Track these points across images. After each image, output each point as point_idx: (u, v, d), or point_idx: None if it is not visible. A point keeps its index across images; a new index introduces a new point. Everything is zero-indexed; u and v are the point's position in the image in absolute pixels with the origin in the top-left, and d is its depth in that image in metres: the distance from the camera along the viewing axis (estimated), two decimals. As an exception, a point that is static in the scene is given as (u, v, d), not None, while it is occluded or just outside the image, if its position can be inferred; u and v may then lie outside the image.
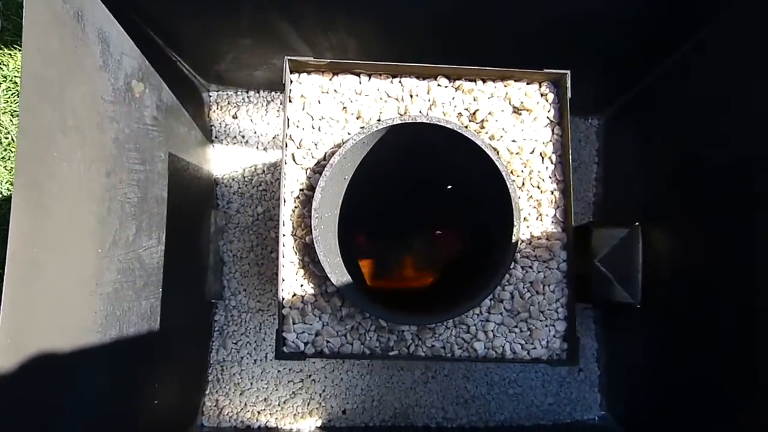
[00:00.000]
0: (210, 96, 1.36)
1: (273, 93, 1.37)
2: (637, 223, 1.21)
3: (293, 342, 0.79)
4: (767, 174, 0.82)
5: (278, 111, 1.36)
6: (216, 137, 1.36)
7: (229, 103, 1.36)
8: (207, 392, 1.34)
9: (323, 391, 1.35)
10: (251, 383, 1.34)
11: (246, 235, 1.34)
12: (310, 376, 1.36)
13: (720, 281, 0.95)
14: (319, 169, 0.82)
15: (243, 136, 1.36)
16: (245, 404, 1.33)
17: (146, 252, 1.02)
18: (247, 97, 1.36)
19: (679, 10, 0.98)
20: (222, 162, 1.35)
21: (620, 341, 1.36)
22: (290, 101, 0.83)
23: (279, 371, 1.35)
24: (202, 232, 1.29)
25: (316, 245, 0.77)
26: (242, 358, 1.34)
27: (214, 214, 1.31)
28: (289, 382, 1.35)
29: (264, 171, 1.35)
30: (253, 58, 1.17)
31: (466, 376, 1.39)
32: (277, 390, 1.34)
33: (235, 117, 1.36)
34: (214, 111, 1.36)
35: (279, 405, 1.33)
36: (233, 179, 1.35)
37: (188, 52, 1.17)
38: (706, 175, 1.00)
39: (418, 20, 0.98)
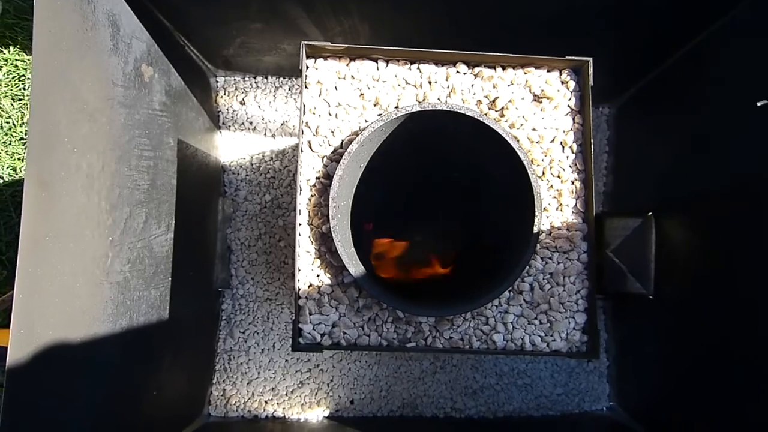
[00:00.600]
0: (217, 82, 1.34)
1: (281, 79, 1.34)
2: (650, 213, 1.20)
3: (309, 333, 0.78)
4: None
5: (286, 97, 1.33)
6: (223, 123, 1.33)
7: (236, 89, 1.34)
8: (214, 381, 1.33)
9: (331, 381, 1.34)
10: (258, 373, 1.33)
11: (254, 223, 1.32)
12: (318, 365, 1.35)
13: (735, 273, 0.94)
14: (335, 157, 0.81)
15: (251, 123, 1.33)
16: (252, 394, 1.32)
17: (156, 240, 1.00)
18: (255, 82, 1.34)
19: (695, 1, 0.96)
20: (229, 149, 1.33)
21: (631, 332, 1.35)
22: (306, 87, 0.81)
23: (287, 361, 1.33)
24: (209, 220, 1.27)
25: (333, 235, 0.75)
26: (250, 347, 1.33)
27: (221, 201, 1.29)
28: (296, 371, 1.34)
29: (272, 158, 1.33)
30: (262, 43, 1.15)
31: (474, 367, 1.38)
32: (284, 380, 1.33)
33: (242, 103, 1.33)
34: (222, 97, 1.34)
35: (286, 395, 1.32)
36: (241, 166, 1.33)
37: (197, 37, 1.14)
38: (722, 164, 0.98)
39: (435, 4, 0.96)
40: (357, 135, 0.78)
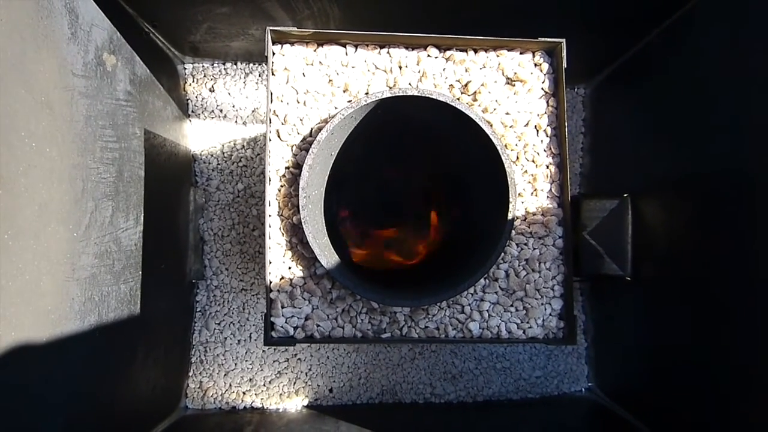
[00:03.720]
0: (185, 69, 1.30)
1: (251, 65, 1.31)
2: (626, 195, 1.20)
3: (282, 327, 0.76)
4: (762, 143, 0.81)
5: (257, 84, 1.30)
6: (193, 112, 1.30)
7: (205, 76, 1.30)
8: (190, 374, 1.31)
9: (309, 370, 1.33)
10: (235, 364, 1.31)
11: (227, 213, 1.29)
12: (295, 355, 1.34)
13: (712, 253, 0.94)
14: (305, 146, 0.78)
15: (221, 111, 1.30)
16: (230, 385, 1.30)
17: (124, 233, 0.97)
18: (224, 69, 1.31)
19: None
20: (200, 137, 1.30)
21: (608, 314, 1.36)
22: (273, 74, 0.79)
23: (264, 351, 1.32)
24: (180, 211, 1.24)
25: (304, 225, 0.73)
26: (225, 338, 1.31)
27: (192, 191, 1.26)
28: (274, 362, 1.32)
29: (244, 146, 1.30)
30: (229, 28, 1.11)
31: (453, 352, 1.37)
32: (262, 370, 1.32)
33: (212, 90, 1.30)
34: (190, 84, 1.30)
35: (264, 385, 1.31)
36: (212, 155, 1.30)
37: (161, 23, 1.10)
38: (699, 144, 0.98)
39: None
40: (326, 123, 0.76)
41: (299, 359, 1.33)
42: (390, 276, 1.01)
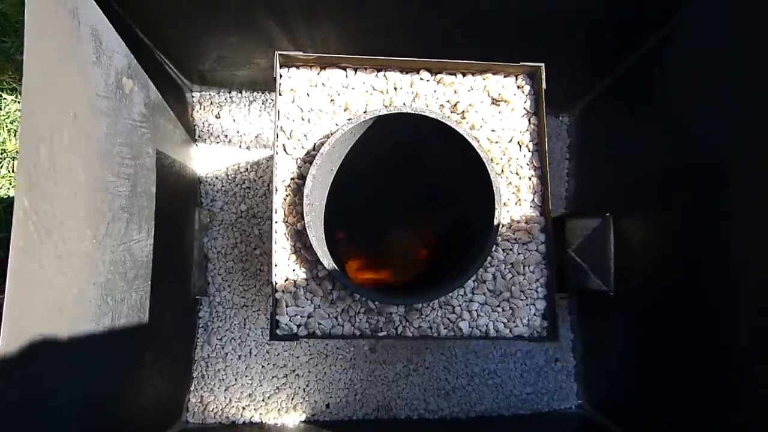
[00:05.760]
0: (193, 96, 1.39)
1: (255, 93, 1.40)
2: (608, 214, 1.27)
3: (286, 324, 0.82)
4: (736, 163, 0.89)
5: (260, 111, 1.39)
6: (199, 136, 1.38)
7: (211, 103, 1.39)
8: (192, 388, 1.35)
9: (307, 385, 1.38)
10: (236, 379, 1.36)
11: (230, 232, 1.36)
12: (294, 371, 1.38)
13: (691, 268, 1.01)
14: (309, 158, 0.86)
15: (226, 136, 1.38)
16: (230, 400, 1.34)
17: (136, 245, 1.03)
18: (230, 97, 1.39)
19: (640, 11, 1.05)
20: (205, 161, 1.37)
21: (595, 331, 1.42)
22: (280, 94, 0.87)
23: (263, 366, 1.37)
24: (187, 229, 1.31)
25: (308, 230, 0.80)
26: (227, 354, 1.36)
27: (198, 211, 1.33)
28: (273, 377, 1.37)
29: (247, 169, 1.38)
30: (237, 57, 1.20)
31: (446, 368, 1.43)
32: (261, 385, 1.36)
33: (217, 116, 1.38)
34: (198, 111, 1.39)
35: (263, 400, 1.35)
36: (217, 177, 1.37)
37: (173, 52, 1.19)
38: (674, 165, 1.06)
39: (399, 16, 1.03)
40: (328, 137, 0.83)
41: (297, 375, 1.38)
42: (386, 286, 1.08)
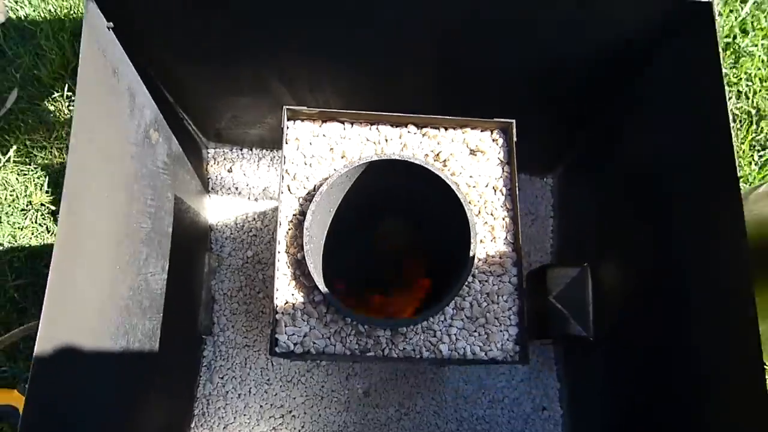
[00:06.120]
0: (209, 152, 1.54)
1: (264, 150, 1.55)
2: (585, 264, 1.39)
3: (284, 342, 0.92)
4: (683, 209, 1.01)
5: (268, 167, 1.53)
6: (212, 188, 1.52)
7: (225, 159, 1.54)
8: (192, 426, 1.42)
9: (302, 426, 1.45)
10: (234, 417, 1.43)
11: (236, 276, 1.47)
12: (290, 411, 1.46)
13: (655, 312, 1.10)
14: (309, 198, 0.99)
15: (236, 188, 1.52)
16: (229, 437, 1.41)
17: (152, 277, 1.15)
18: (241, 153, 1.54)
19: (605, 77, 1.20)
20: (217, 210, 1.51)
21: (579, 377, 1.49)
22: (287, 143, 1.01)
23: (261, 406, 1.44)
24: (197, 271, 1.42)
25: (307, 258, 0.92)
26: (227, 392, 1.44)
27: (207, 256, 1.45)
28: (270, 417, 1.44)
29: (255, 219, 1.51)
30: (249, 116, 1.36)
31: (437, 413, 1.49)
32: (258, 425, 1.43)
33: (229, 171, 1.53)
34: (212, 165, 1.53)
35: (260, 439, 1.42)
36: (226, 225, 1.50)
37: (194, 111, 1.35)
38: (638, 217, 1.18)
39: (390, 79, 1.19)
40: (327, 179, 0.97)
41: (294, 416, 1.45)
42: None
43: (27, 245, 1.81)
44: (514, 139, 1.01)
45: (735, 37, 1.85)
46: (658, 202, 1.08)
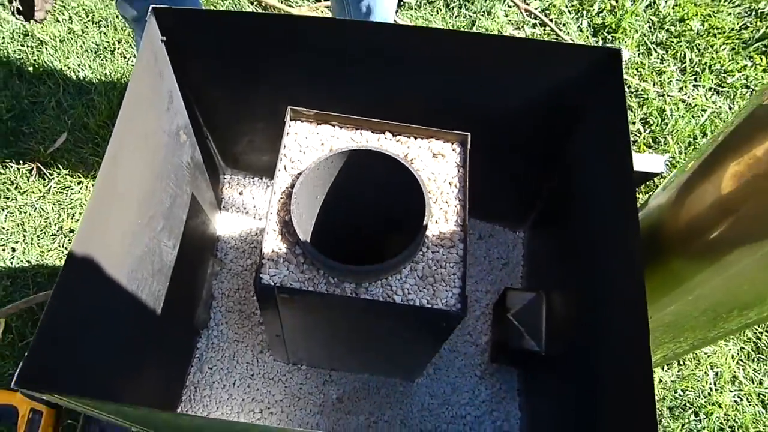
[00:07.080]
0: (225, 178, 1.81)
1: (272, 180, 1.81)
2: (541, 291, 1.59)
3: (267, 281, 1.13)
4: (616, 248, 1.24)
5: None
6: (223, 207, 1.78)
7: (238, 184, 1.81)
8: (178, 411, 1.56)
9: (279, 423, 1.58)
10: (217, 407, 1.57)
11: (235, 279, 1.68)
12: (268, 408, 1.60)
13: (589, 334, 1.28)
14: (300, 175, 1.24)
15: (245, 208, 1.78)
16: (209, 424, 1.54)
17: (165, 248, 1.37)
18: (252, 180, 1.82)
19: (549, 135, 1.48)
20: (226, 224, 1.75)
21: (536, 401, 1.61)
22: (287, 135, 1.28)
23: (243, 399, 1.59)
24: (201, 272, 1.64)
25: (293, 216, 1.15)
26: (214, 382, 1.59)
27: (212, 260, 1.67)
28: (250, 411, 1.58)
29: (257, 233, 1.75)
30: (263, 142, 1.64)
31: (403, 422, 1.62)
32: (238, 417, 1.57)
33: (240, 194, 1.79)
34: (226, 188, 1.80)
35: None
36: (232, 237, 1.74)
37: (218, 131, 1.64)
38: (584, 257, 1.40)
39: (369, 97, 1.47)
40: (316, 161, 1.22)
41: (271, 413, 1.59)
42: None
43: (52, 265, 2.05)
44: (468, 146, 1.27)
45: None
46: (589, 246, 1.32)
